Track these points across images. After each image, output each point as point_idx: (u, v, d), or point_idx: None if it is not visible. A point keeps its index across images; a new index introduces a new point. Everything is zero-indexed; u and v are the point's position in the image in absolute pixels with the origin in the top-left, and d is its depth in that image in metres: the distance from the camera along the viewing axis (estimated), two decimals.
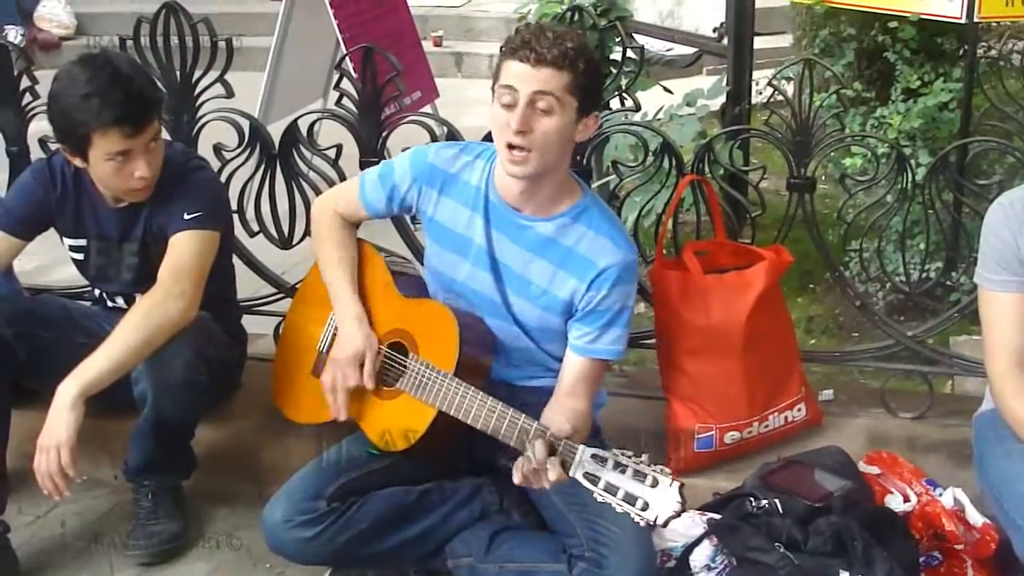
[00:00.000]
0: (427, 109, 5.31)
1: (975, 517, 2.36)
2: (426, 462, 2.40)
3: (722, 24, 4.32)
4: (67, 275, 3.18)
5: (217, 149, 2.95)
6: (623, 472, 1.96)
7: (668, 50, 5.86)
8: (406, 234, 2.98)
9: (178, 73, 2.96)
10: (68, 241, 2.74)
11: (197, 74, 2.97)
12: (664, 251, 2.73)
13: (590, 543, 2.22)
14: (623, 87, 2.94)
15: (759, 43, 4.27)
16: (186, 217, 2.56)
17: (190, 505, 2.78)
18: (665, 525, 1.94)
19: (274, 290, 3.15)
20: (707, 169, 2.77)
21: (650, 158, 2.79)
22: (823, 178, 4.58)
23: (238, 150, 2.96)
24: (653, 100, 3.95)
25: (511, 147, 2.17)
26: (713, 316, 2.56)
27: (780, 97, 2.77)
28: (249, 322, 3.05)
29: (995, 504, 2.26)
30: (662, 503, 1.92)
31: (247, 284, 3.11)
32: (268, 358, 2.82)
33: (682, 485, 1.95)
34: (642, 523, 1.95)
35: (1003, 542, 2.28)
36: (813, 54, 4.35)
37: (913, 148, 3.97)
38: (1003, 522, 2.25)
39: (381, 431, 2.34)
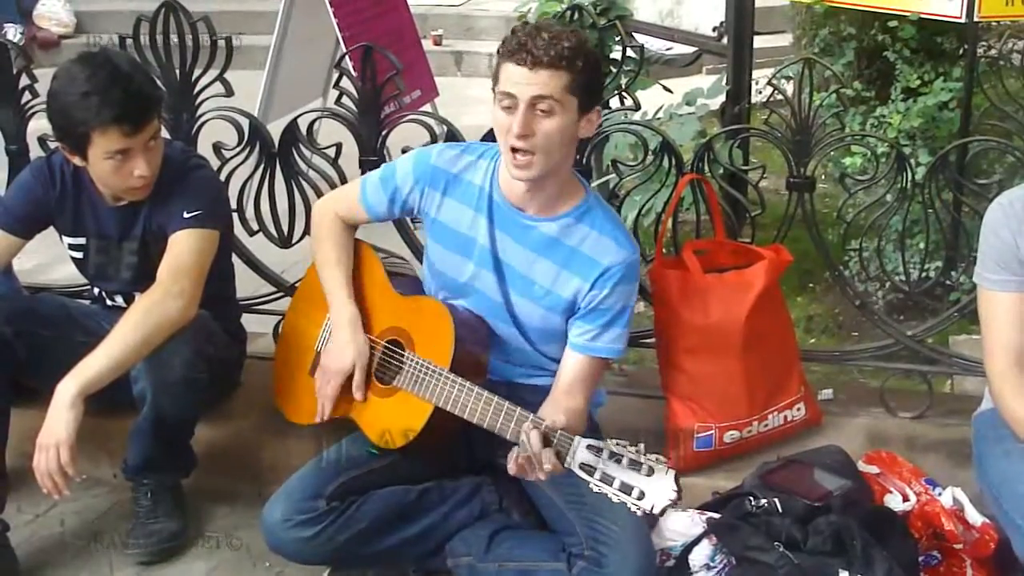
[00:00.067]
0: (427, 108, 5.32)
1: (974, 516, 2.36)
2: (425, 461, 2.41)
3: (722, 23, 4.32)
4: (66, 274, 3.18)
5: (217, 148, 2.95)
6: (618, 462, 1.96)
7: (668, 49, 5.87)
8: (406, 234, 2.98)
9: (178, 71, 2.96)
10: (67, 240, 2.74)
11: (197, 73, 2.97)
12: (664, 250, 2.73)
13: (589, 542, 2.22)
14: (623, 86, 2.94)
15: (759, 42, 4.27)
16: (185, 216, 2.56)
17: (189, 504, 2.78)
18: (662, 514, 1.95)
19: (273, 289, 3.15)
20: (707, 168, 2.77)
21: (650, 157, 2.79)
22: (823, 177, 4.59)
23: (238, 149, 2.96)
24: (653, 99, 3.95)
25: (515, 150, 2.17)
26: (713, 315, 2.56)
27: (780, 96, 2.77)
28: (248, 321, 3.05)
29: (994, 504, 2.26)
30: (658, 492, 1.93)
31: (246, 283, 3.11)
32: (267, 357, 2.82)
33: (678, 473, 1.95)
34: (639, 512, 1.95)
35: (1002, 541, 2.28)
36: (813, 53, 4.35)
37: (913, 147, 3.97)
38: (1002, 521, 2.25)
39: (381, 430, 2.34)
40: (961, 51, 4.04)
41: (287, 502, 2.32)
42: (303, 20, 5.17)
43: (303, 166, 2.98)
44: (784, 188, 2.80)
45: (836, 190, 4.40)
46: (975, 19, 3.51)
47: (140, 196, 2.60)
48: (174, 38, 2.93)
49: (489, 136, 2.44)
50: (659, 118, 4.00)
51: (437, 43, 8.17)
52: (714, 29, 4.46)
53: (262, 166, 2.98)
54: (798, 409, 2.69)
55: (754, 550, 2.27)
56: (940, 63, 4.15)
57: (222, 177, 2.91)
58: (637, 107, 2.95)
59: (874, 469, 2.54)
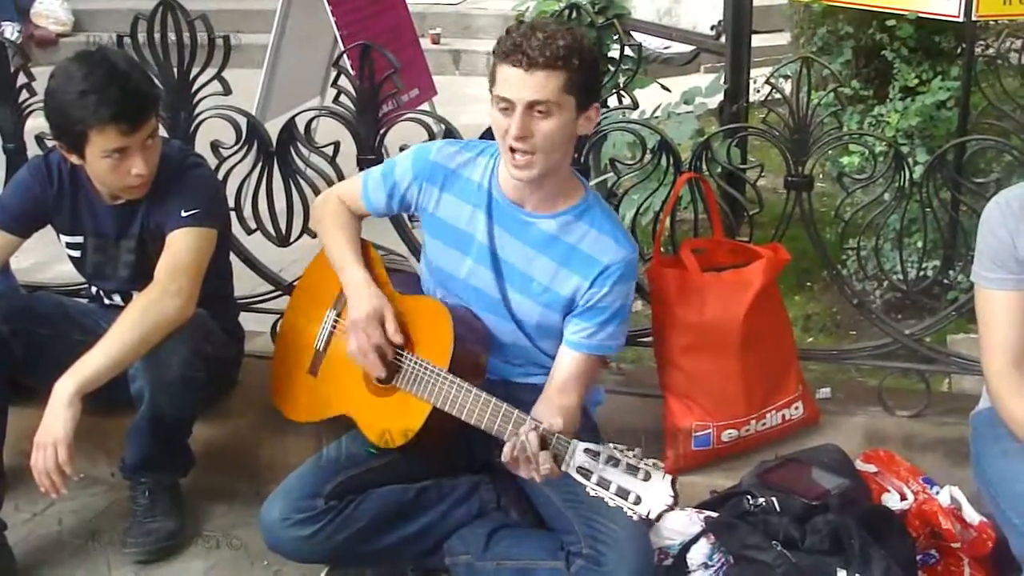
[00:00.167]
0: (425, 106, 5.32)
1: (972, 515, 2.36)
2: (424, 460, 2.40)
3: (720, 22, 4.33)
4: (64, 272, 3.17)
5: (214, 146, 2.95)
6: (616, 466, 1.97)
7: (666, 48, 5.88)
8: (404, 232, 2.98)
9: (175, 70, 2.96)
10: (65, 238, 2.74)
11: (194, 71, 2.96)
12: (662, 249, 2.73)
13: (588, 540, 2.22)
14: (621, 85, 2.94)
15: (757, 41, 4.27)
16: (183, 214, 2.56)
17: (187, 503, 2.78)
18: (658, 519, 1.95)
19: (271, 287, 3.15)
20: (705, 167, 2.77)
21: (648, 156, 2.78)
22: (821, 176, 4.60)
23: (235, 147, 2.96)
24: (651, 98, 3.95)
25: (514, 151, 2.17)
26: (710, 314, 2.56)
27: (778, 95, 2.76)
28: (247, 319, 3.05)
29: (992, 502, 2.27)
30: (654, 497, 1.93)
31: (244, 281, 3.11)
32: (266, 355, 2.82)
33: (675, 478, 1.95)
34: (635, 517, 1.95)
35: (1000, 540, 2.28)
36: (811, 52, 4.35)
37: (911, 146, 3.97)
38: (999, 520, 2.25)
39: (380, 430, 2.34)
40: (959, 50, 4.04)
41: (285, 501, 2.32)
42: (301, 18, 5.17)
43: (301, 165, 2.98)
44: (782, 187, 2.80)
45: (834, 189, 4.39)
46: (973, 18, 3.52)
47: (138, 195, 2.59)
48: (172, 36, 2.92)
49: (488, 134, 2.44)
50: (657, 117, 4.00)
51: (435, 41, 8.17)
52: (712, 28, 4.46)
53: (260, 165, 2.98)
54: (796, 408, 2.69)
55: (752, 549, 2.27)
56: (938, 62, 4.15)
57: (220, 176, 2.91)
58: (635, 106, 2.95)
59: (872, 468, 2.54)
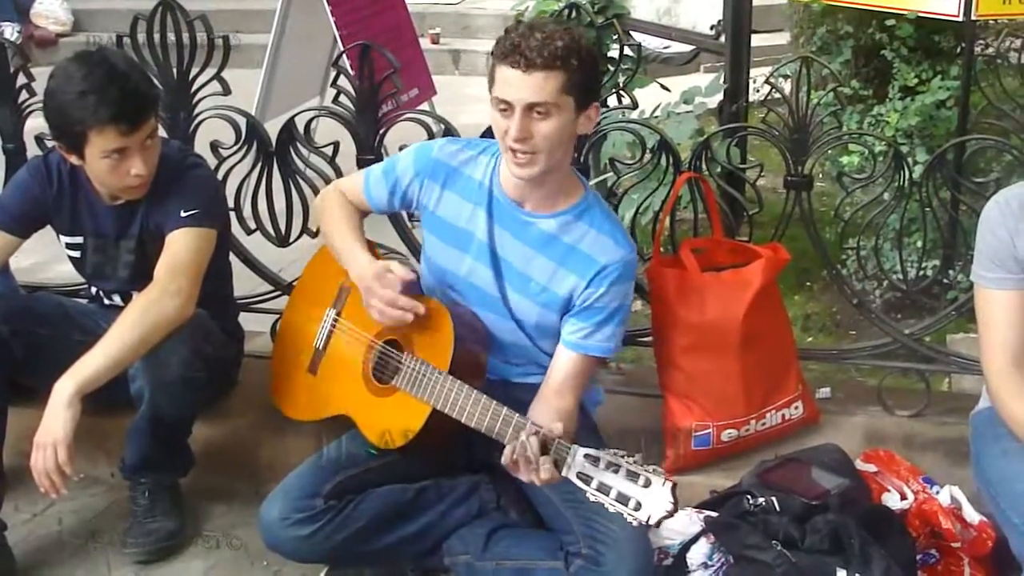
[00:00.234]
0: (424, 106, 5.32)
1: (972, 515, 2.36)
2: (423, 460, 2.40)
3: (719, 22, 4.33)
4: (63, 272, 3.17)
5: (214, 147, 2.95)
6: (616, 472, 1.97)
7: (665, 47, 5.88)
8: (403, 231, 2.98)
9: (175, 70, 2.95)
10: (64, 239, 2.74)
11: (194, 71, 2.96)
12: (661, 249, 2.73)
13: (587, 540, 2.22)
14: (620, 85, 2.93)
15: (756, 41, 4.27)
16: (183, 214, 2.56)
17: (187, 503, 2.78)
18: (657, 525, 1.95)
19: (271, 287, 3.14)
20: (704, 167, 2.77)
21: (647, 156, 2.78)
22: (820, 176, 4.60)
23: (235, 147, 2.96)
24: (650, 98, 3.95)
25: (514, 151, 2.17)
26: (710, 314, 2.56)
27: (777, 95, 2.76)
28: (246, 319, 3.05)
29: (992, 502, 2.26)
30: (654, 503, 1.93)
31: (244, 281, 3.11)
32: (265, 355, 2.82)
33: (675, 485, 1.95)
34: (635, 523, 1.95)
35: (1000, 540, 2.28)
36: (810, 52, 4.35)
37: (910, 146, 3.97)
38: (999, 520, 2.25)
39: (381, 431, 2.34)
40: (959, 49, 4.04)
41: (285, 500, 2.32)
42: (301, 18, 5.17)
43: (300, 165, 2.98)
44: (782, 186, 2.80)
45: (834, 188, 4.39)
46: (972, 17, 3.51)
47: (137, 195, 2.59)
48: (171, 37, 2.92)
49: (488, 134, 2.44)
50: (657, 116, 4.00)
51: (435, 41, 8.17)
52: (712, 27, 4.46)
53: (259, 165, 2.98)
54: (796, 408, 2.69)
55: (752, 549, 2.27)
56: (938, 61, 4.15)
57: (219, 176, 2.91)
58: (635, 105, 2.95)
59: (872, 467, 2.54)
